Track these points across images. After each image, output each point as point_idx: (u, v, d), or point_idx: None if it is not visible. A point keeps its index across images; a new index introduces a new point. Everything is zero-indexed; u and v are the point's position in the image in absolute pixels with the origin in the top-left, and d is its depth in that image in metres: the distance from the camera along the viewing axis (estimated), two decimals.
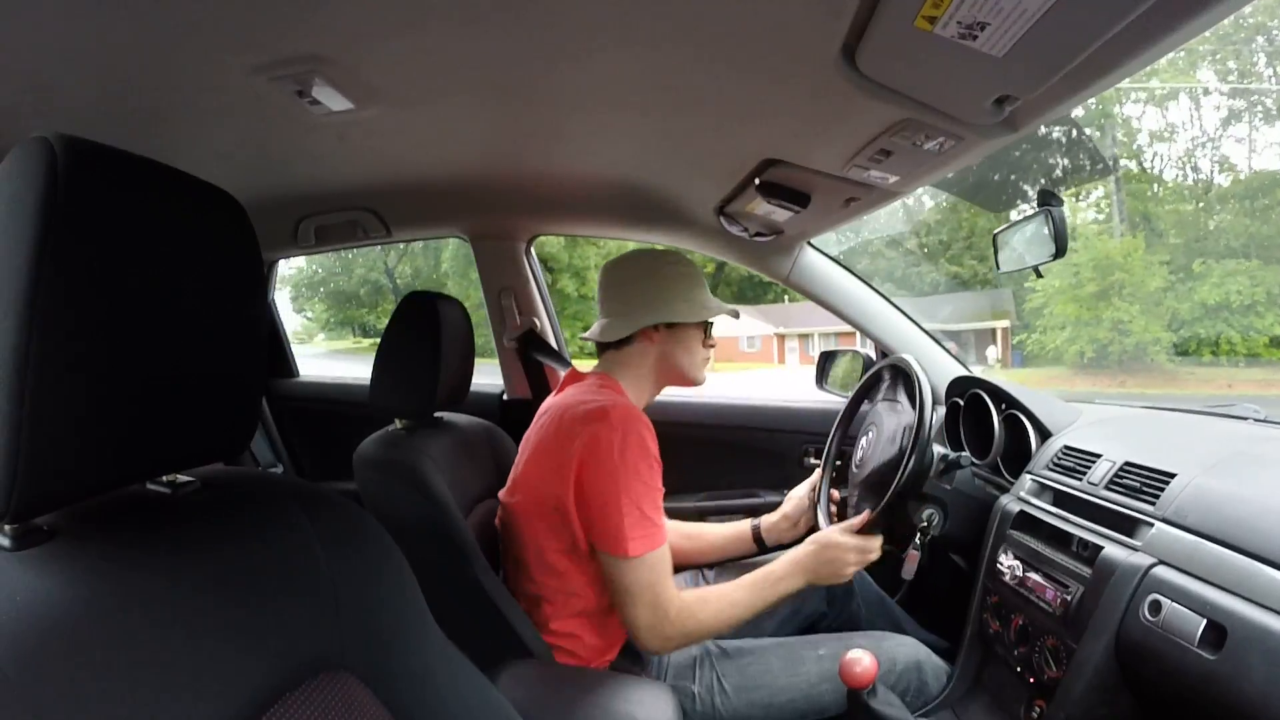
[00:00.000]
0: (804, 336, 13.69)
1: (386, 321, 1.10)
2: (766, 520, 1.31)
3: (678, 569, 1.29)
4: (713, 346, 1.14)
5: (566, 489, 0.94)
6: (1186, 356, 9.44)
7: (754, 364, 13.68)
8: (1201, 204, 10.69)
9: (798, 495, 1.30)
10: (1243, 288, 9.08)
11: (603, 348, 1.10)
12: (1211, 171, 11.18)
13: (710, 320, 1.12)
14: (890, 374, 1.35)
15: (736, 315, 1.15)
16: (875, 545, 1.04)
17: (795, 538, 1.27)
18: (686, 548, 1.32)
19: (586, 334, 1.13)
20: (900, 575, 1.19)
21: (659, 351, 1.08)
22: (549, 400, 1.09)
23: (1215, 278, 9.34)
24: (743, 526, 1.32)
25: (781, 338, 13.93)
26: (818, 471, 1.31)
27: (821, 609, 1.27)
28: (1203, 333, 9.31)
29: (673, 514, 1.67)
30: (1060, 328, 10.13)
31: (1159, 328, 9.53)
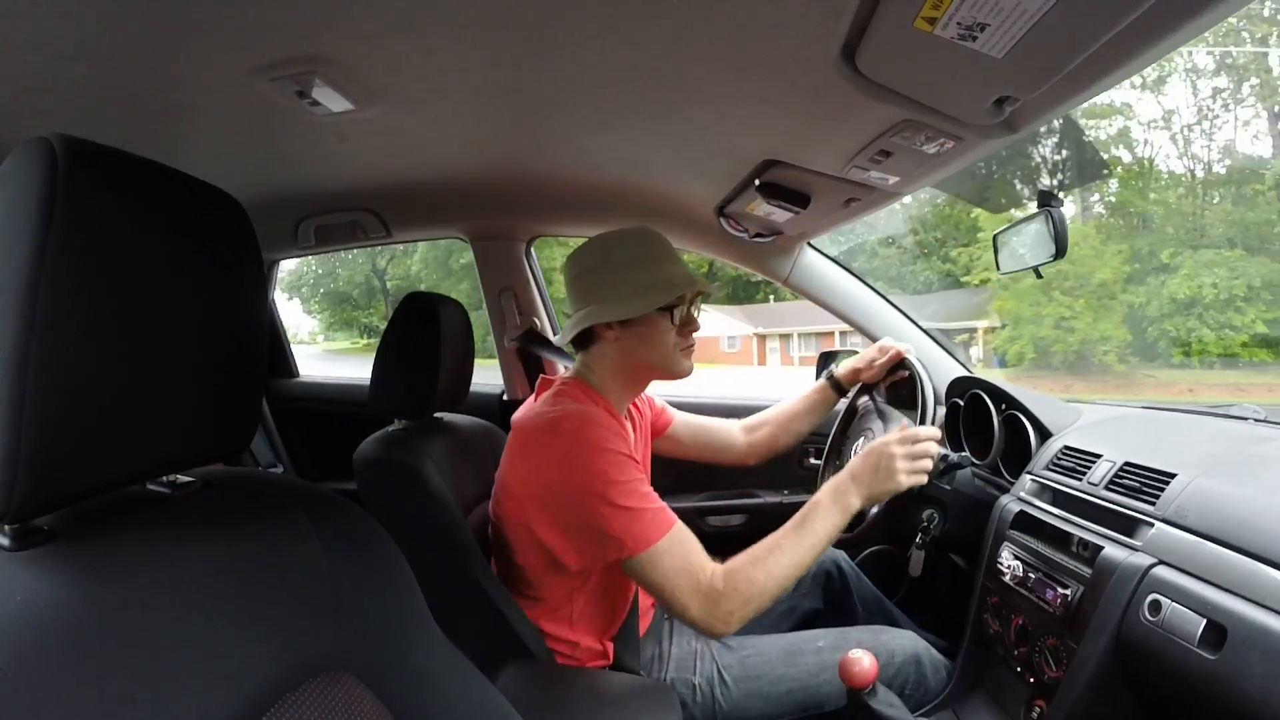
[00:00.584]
0: (784, 337, 13.66)
1: (380, 321, 1.08)
2: (842, 369, 1.29)
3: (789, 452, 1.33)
4: (693, 330, 1.02)
5: (535, 514, 0.92)
6: (1156, 358, 8.51)
7: (734, 364, 13.62)
8: (1186, 191, 9.66)
9: (888, 345, 1.23)
10: (1220, 280, 8.07)
11: (577, 344, 1.05)
12: (1209, 159, 10.25)
13: (678, 304, 0.98)
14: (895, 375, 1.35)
15: (709, 294, 1.03)
16: (927, 434, 0.93)
17: (872, 379, 1.25)
18: (780, 435, 1.32)
19: (555, 339, 1.10)
20: (908, 572, 1.20)
21: (618, 349, 0.99)
22: (517, 412, 1.04)
23: (1188, 269, 8.31)
24: (820, 384, 1.32)
25: (762, 338, 13.85)
26: (905, 346, 1.23)
27: (818, 606, 1.26)
28: (1173, 331, 8.35)
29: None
30: (1000, 326, 9.26)
31: (1112, 325, 8.58)
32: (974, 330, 10.12)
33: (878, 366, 1.24)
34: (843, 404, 1.38)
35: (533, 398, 1.05)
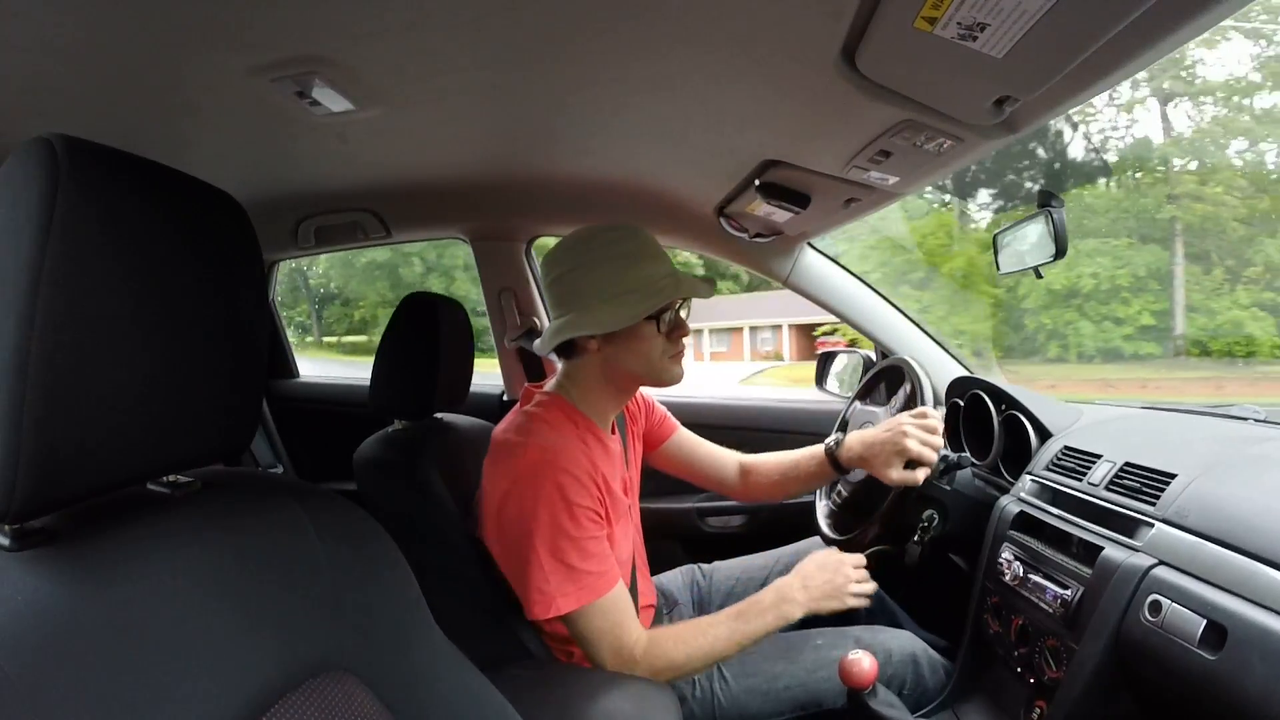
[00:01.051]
0: (696, 333, 13.67)
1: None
2: (843, 449, 1.10)
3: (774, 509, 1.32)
4: (684, 335, 0.97)
5: (495, 541, 0.92)
6: (1033, 353, 7.92)
7: None
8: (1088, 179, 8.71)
9: (895, 422, 1.05)
10: (1101, 269, 7.44)
11: (558, 352, 0.99)
12: (1117, 146, 9.18)
13: (666, 309, 0.92)
14: (892, 375, 1.36)
15: (706, 294, 0.95)
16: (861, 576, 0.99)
17: (866, 460, 1.06)
18: (775, 493, 1.24)
19: (537, 344, 1.04)
20: (907, 571, 1.20)
21: (602, 360, 0.94)
22: (498, 425, 1.01)
23: (1066, 258, 8.01)
24: (819, 456, 1.15)
25: None
26: (919, 412, 1.07)
27: None
28: (1050, 324, 7.83)
29: (672, 514, 1.68)
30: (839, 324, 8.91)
31: (969, 319, 7.90)
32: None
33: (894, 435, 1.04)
34: (843, 406, 1.38)
35: (517, 406, 1.01)
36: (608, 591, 0.87)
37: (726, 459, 1.28)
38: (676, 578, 1.29)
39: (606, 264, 0.91)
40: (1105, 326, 7.50)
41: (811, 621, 1.22)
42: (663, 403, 1.27)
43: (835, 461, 1.14)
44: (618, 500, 0.97)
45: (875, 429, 1.08)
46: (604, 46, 0.80)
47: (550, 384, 1.01)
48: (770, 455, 1.26)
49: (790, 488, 1.23)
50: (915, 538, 1.18)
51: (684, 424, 1.32)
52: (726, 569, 1.31)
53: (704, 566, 1.32)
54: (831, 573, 0.95)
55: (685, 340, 0.98)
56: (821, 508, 1.36)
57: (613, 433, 1.04)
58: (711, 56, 0.80)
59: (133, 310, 0.41)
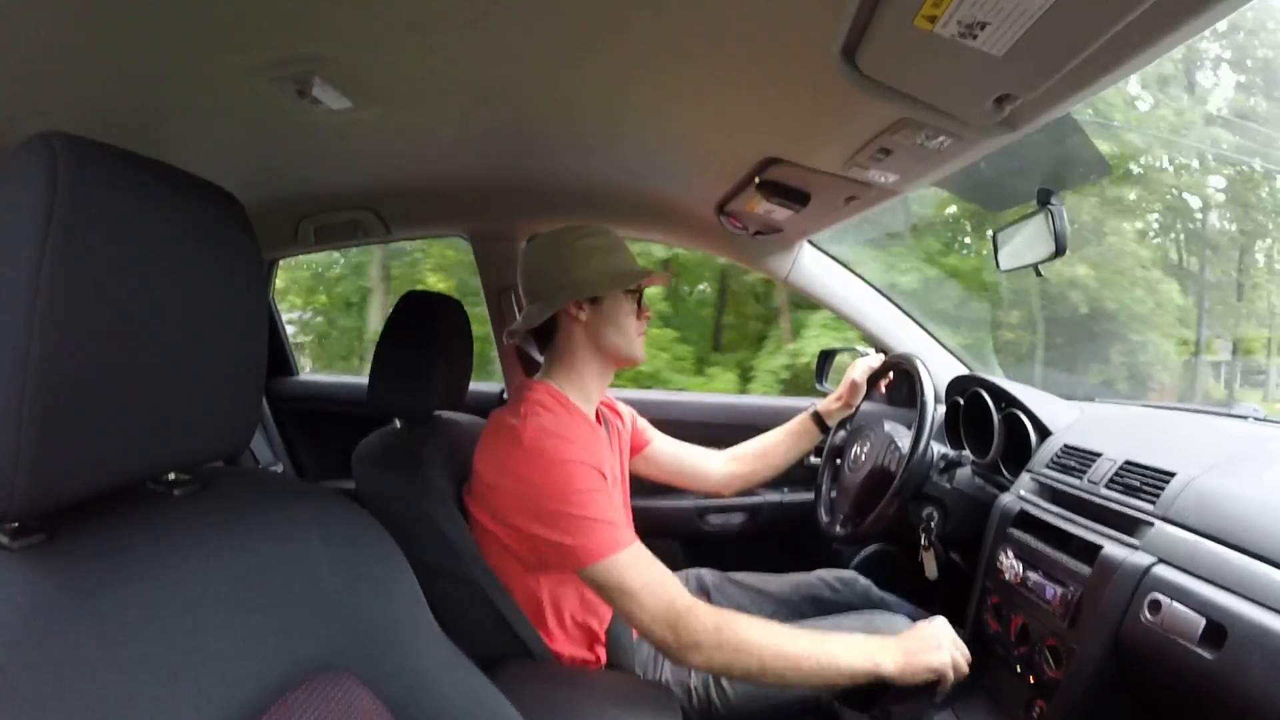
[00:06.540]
0: None
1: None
2: (822, 404, 1.37)
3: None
4: (648, 316, 1.07)
5: (499, 524, 0.92)
6: None
7: None
8: None
9: (853, 377, 1.35)
10: None
11: (540, 345, 1.06)
12: None
13: (639, 290, 1.05)
14: (893, 373, 1.35)
15: (665, 282, 1.08)
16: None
17: (849, 415, 1.37)
18: (759, 468, 1.35)
19: (512, 328, 1.07)
20: (909, 572, 1.20)
21: (585, 331, 1.01)
22: (497, 410, 1.04)
23: None
24: (802, 417, 1.38)
25: None
26: (870, 360, 1.35)
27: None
28: None
29: (672, 513, 1.68)
30: None
31: None
32: None
33: (859, 388, 1.33)
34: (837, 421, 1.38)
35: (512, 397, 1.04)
36: (631, 544, 0.87)
37: (707, 455, 1.36)
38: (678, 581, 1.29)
39: (588, 251, 1.01)
40: None
41: (822, 607, 1.22)
42: (649, 401, 1.27)
43: (819, 418, 1.36)
44: (609, 485, 0.97)
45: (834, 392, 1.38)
46: (604, 45, 0.80)
47: (537, 376, 1.06)
48: (752, 440, 1.38)
49: (777, 457, 1.36)
50: (924, 542, 1.18)
51: (682, 424, 1.34)
52: (739, 582, 1.29)
53: (708, 574, 1.31)
54: (935, 631, 0.89)
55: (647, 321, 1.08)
56: (822, 505, 1.36)
57: (599, 422, 1.07)
58: (712, 54, 0.80)
59: (132, 310, 0.41)
